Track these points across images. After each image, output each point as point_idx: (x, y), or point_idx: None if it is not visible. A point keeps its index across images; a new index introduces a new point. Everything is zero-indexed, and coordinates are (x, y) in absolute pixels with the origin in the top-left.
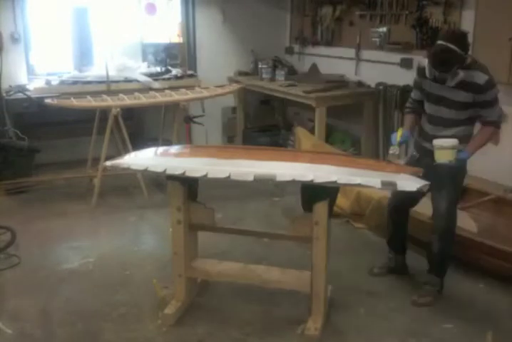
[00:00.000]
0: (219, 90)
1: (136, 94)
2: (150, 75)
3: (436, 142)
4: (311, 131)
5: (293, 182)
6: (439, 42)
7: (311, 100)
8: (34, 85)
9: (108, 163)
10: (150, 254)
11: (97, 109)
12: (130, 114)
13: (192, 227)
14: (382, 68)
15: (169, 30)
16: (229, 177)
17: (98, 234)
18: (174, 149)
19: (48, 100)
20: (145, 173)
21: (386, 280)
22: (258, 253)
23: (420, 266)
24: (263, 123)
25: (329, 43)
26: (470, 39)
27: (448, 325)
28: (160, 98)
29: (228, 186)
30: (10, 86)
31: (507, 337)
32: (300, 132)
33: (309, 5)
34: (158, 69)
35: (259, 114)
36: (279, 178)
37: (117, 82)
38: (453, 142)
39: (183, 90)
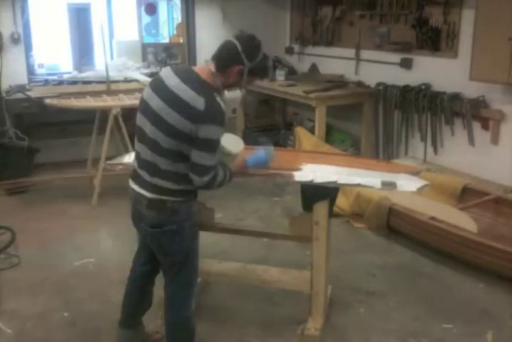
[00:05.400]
0: None
1: (136, 94)
2: (150, 75)
3: None
4: (311, 131)
5: (293, 182)
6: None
7: (311, 100)
8: (34, 85)
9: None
10: None
11: (97, 109)
12: (130, 114)
13: None
14: (382, 68)
15: (169, 30)
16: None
17: (98, 234)
18: None
19: (48, 100)
20: None
21: (386, 280)
22: (258, 253)
23: (418, 265)
24: (263, 123)
25: (329, 43)
26: (470, 39)
27: (448, 325)
28: None
29: (228, 186)
30: (10, 86)
31: (507, 337)
32: (300, 131)
33: (309, 5)
34: (158, 69)
35: (259, 114)
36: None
37: (117, 82)
38: None
39: None
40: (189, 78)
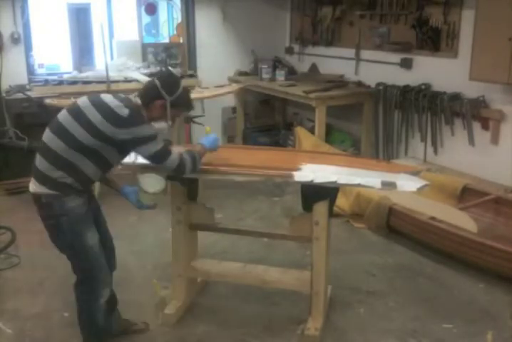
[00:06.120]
0: (220, 90)
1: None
2: (150, 75)
3: None
4: (311, 131)
5: (293, 182)
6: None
7: (311, 100)
8: (34, 85)
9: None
10: (150, 254)
11: None
12: None
13: (192, 227)
14: (382, 68)
15: (169, 30)
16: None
17: None
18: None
19: (48, 100)
20: None
21: (386, 280)
22: (258, 253)
23: (418, 265)
24: (263, 123)
25: (329, 43)
26: (470, 39)
27: (448, 325)
28: None
29: (228, 186)
30: (10, 86)
31: (507, 337)
32: (300, 132)
33: (309, 5)
34: (158, 69)
35: (259, 114)
36: None
37: (117, 82)
38: None
39: None
40: (122, 97)
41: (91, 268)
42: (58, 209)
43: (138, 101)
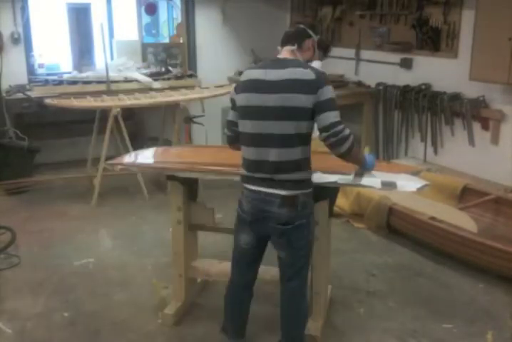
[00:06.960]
0: (220, 90)
1: (136, 94)
2: (150, 75)
3: None
4: None
5: None
6: None
7: None
8: (34, 85)
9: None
10: (150, 254)
11: (97, 109)
12: (130, 114)
13: (192, 227)
14: (382, 68)
15: (169, 30)
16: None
17: (98, 234)
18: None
19: (48, 100)
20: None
21: (386, 280)
22: None
23: (418, 265)
24: None
25: (329, 43)
26: (470, 39)
27: (448, 325)
28: (160, 98)
29: (228, 186)
30: (10, 86)
31: (507, 337)
32: None
33: (309, 5)
34: (158, 69)
35: None
36: None
37: (117, 82)
38: None
39: (183, 90)
40: (284, 63)
41: (308, 268)
42: (311, 206)
43: (289, 49)
